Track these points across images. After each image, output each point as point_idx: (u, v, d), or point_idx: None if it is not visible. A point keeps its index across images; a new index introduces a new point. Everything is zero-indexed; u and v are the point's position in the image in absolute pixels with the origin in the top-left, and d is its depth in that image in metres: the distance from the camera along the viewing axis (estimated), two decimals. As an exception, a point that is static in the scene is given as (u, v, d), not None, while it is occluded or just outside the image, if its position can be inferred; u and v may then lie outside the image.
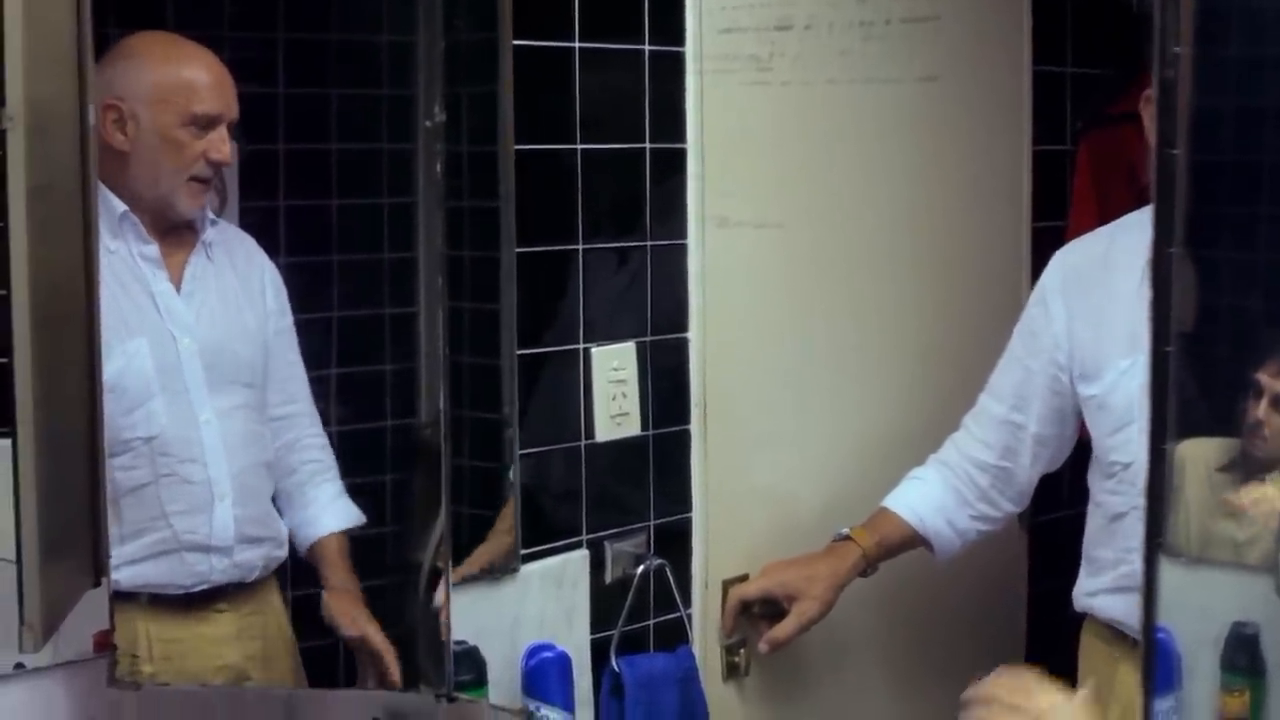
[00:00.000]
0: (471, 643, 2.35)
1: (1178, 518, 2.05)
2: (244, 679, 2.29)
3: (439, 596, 2.29)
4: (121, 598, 2.20)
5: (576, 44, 2.48)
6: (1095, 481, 2.42)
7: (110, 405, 2.16)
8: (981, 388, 2.60)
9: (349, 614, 2.33)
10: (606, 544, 2.55)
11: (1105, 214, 2.92)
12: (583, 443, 2.52)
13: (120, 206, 2.20)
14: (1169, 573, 2.00)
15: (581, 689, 2.48)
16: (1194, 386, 2.02)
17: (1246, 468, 2.03)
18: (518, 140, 2.38)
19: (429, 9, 2.29)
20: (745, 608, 2.62)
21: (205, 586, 2.23)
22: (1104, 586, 2.37)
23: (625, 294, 2.56)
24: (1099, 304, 2.39)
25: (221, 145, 2.20)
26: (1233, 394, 2.03)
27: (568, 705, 2.43)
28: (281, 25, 2.33)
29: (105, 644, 2.23)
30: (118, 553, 2.19)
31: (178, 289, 2.23)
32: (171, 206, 2.22)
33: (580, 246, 2.49)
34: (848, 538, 2.59)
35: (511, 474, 2.40)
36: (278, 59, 2.35)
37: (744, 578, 2.64)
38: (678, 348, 2.61)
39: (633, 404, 2.56)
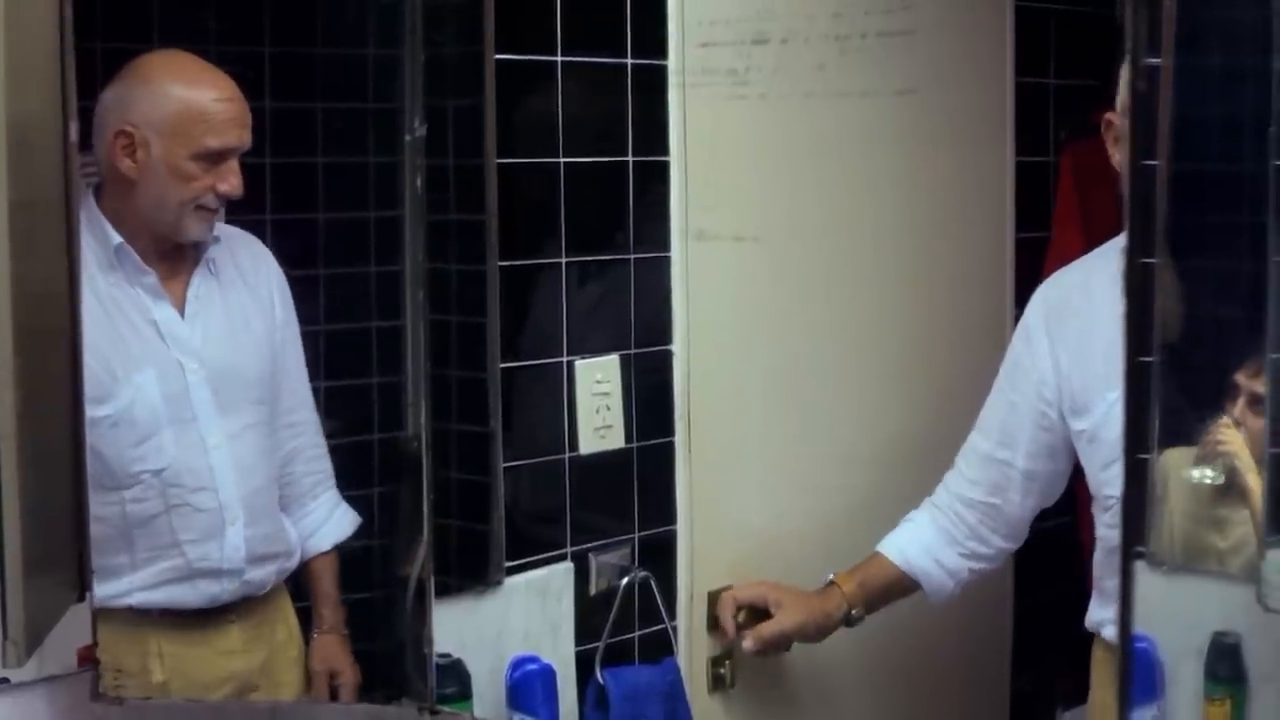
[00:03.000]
0: (456, 655, 2.35)
1: (1160, 527, 2.06)
2: (251, 688, 2.28)
3: (422, 609, 2.29)
4: (133, 613, 2.19)
5: (559, 57, 2.48)
6: (1096, 514, 2.39)
7: (118, 439, 2.16)
8: (964, 398, 2.60)
9: (337, 663, 2.31)
10: (591, 556, 2.55)
11: (1088, 225, 2.93)
12: (566, 455, 2.52)
13: (116, 238, 2.17)
14: (1152, 582, 2.01)
15: (566, 701, 2.48)
16: (1175, 397, 2.02)
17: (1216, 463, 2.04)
18: (501, 153, 2.39)
19: (412, 23, 2.29)
20: (737, 610, 2.62)
21: (224, 602, 2.23)
22: (1110, 618, 2.34)
23: (608, 307, 2.57)
24: (1082, 336, 2.36)
25: (231, 178, 2.16)
26: (1214, 403, 2.03)
27: (552, 718, 2.43)
28: (267, 39, 2.33)
29: (89, 659, 2.23)
30: (130, 579, 2.18)
31: (181, 313, 2.21)
32: (177, 233, 2.19)
33: (563, 260, 2.50)
34: (832, 582, 2.60)
35: (495, 487, 2.40)
36: (263, 73, 2.35)
37: (728, 589, 2.65)
38: (661, 360, 2.61)
39: (616, 417, 2.56)
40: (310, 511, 2.33)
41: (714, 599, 2.64)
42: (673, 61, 2.58)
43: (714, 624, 2.65)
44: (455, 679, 2.35)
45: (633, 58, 2.55)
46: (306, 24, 2.38)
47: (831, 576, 2.61)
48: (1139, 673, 2.03)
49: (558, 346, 2.51)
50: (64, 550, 2.16)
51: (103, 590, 2.17)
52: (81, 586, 2.19)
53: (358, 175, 2.39)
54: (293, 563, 2.30)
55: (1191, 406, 2.05)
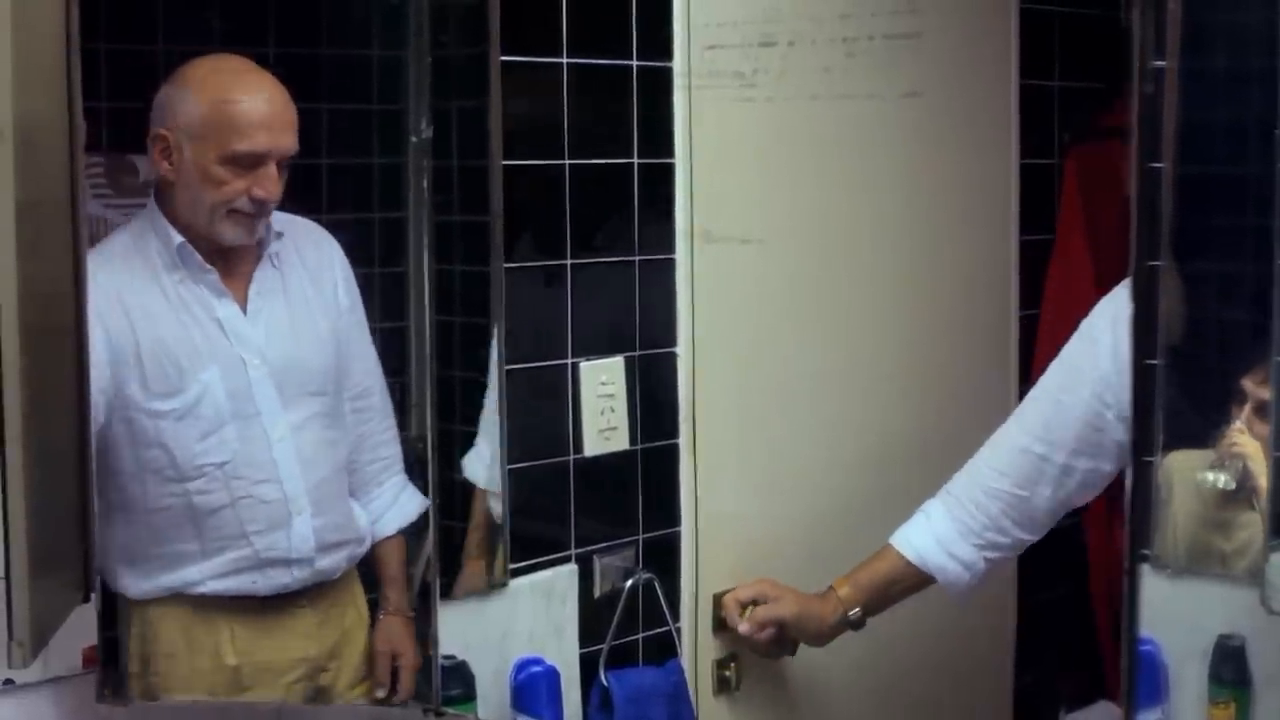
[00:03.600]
0: (460, 657, 2.35)
1: (1166, 530, 2.06)
2: (320, 671, 2.30)
3: (428, 611, 2.29)
4: (204, 599, 2.23)
5: (565, 59, 2.48)
6: None
7: (183, 433, 2.18)
8: (969, 400, 2.60)
9: (400, 645, 2.33)
10: (595, 558, 2.55)
11: (1093, 228, 2.93)
12: (571, 457, 2.52)
13: (178, 238, 2.19)
14: (1157, 585, 2.01)
15: (570, 703, 2.49)
16: (1181, 400, 2.02)
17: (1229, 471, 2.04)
18: (506, 155, 2.39)
19: (417, 24, 2.29)
20: (741, 608, 2.62)
21: (296, 588, 2.26)
22: None
23: (613, 309, 2.57)
24: None
25: (266, 183, 2.16)
26: (1220, 407, 2.04)
27: (557, 719, 2.43)
28: (272, 40, 2.33)
29: (94, 659, 2.23)
30: (200, 567, 2.22)
31: (243, 309, 2.23)
32: (213, 237, 2.20)
33: (568, 261, 2.50)
34: (831, 588, 2.59)
35: (500, 489, 2.41)
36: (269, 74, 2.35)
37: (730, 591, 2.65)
38: (666, 362, 2.61)
39: (621, 418, 2.56)
40: (376, 496, 2.34)
41: (718, 601, 2.64)
42: (678, 64, 2.58)
43: (719, 626, 2.65)
44: (460, 680, 2.35)
45: (638, 60, 2.55)
46: (312, 25, 2.38)
47: (831, 585, 2.60)
48: (1144, 675, 2.02)
49: (562, 348, 2.51)
50: (69, 551, 2.16)
51: (172, 578, 2.22)
52: (86, 587, 2.19)
53: (363, 176, 2.39)
54: (364, 548, 2.32)
55: (1197, 410, 2.05)
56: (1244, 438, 2.02)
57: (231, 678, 2.25)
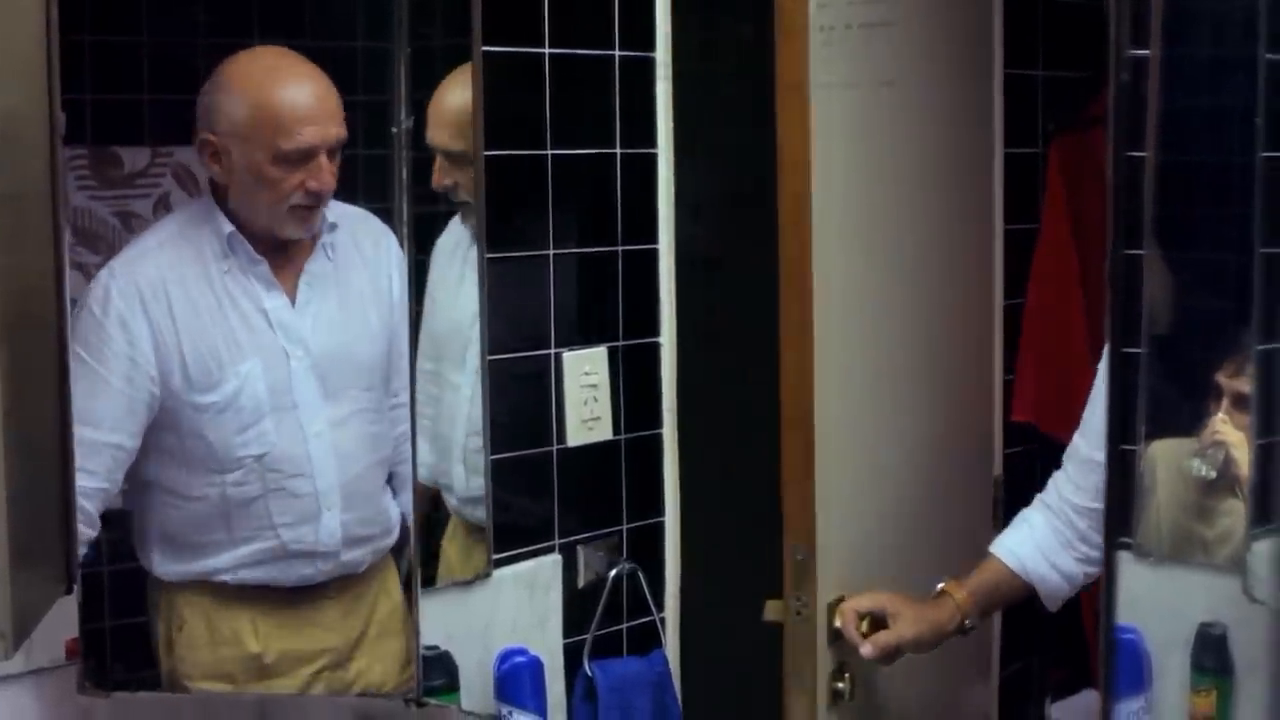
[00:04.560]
0: (443, 647, 2.35)
1: (1148, 518, 2.06)
2: (345, 660, 2.32)
3: (410, 601, 2.29)
4: (229, 587, 2.26)
5: (547, 49, 2.48)
6: None
7: (223, 425, 2.22)
8: (953, 391, 2.60)
9: None
10: (579, 548, 2.55)
11: (1077, 217, 2.93)
12: (554, 447, 2.52)
13: (228, 227, 2.21)
14: (1140, 573, 2.01)
15: (554, 693, 2.49)
16: (1162, 388, 2.02)
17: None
18: (488, 145, 2.38)
19: (400, 16, 2.29)
20: (859, 620, 2.54)
21: (321, 580, 2.29)
22: None
23: (596, 299, 2.57)
24: None
25: (319, 174, 2.18)
26: (1201, 396, 2.04)
27: (540, 710, 2.43)
28: (255, 32, 2.33)
29: (76, 651, 2.23)
30: (227, 556, 2.25)
31: (292, 300, 2.24)
32: (275, 232, 2.22)
33: (551, 251, 2.50)
34: (943, 591, 2.52)
35: (483, 479, 2.41)
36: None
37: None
38: (649, 352, 2.61)
39: (604, 408, 2.57)
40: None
41: (833, 610, 2.56)
42: (660, 54, 2.58)
43: (835, 637, 2.50)
44: (443, 671, 2.35)
45: (620, 50, 2.55)
46: (294, 16, 2.38)
47: (942, 585, 2.53)
48: (1126, 664, 2.03)
49: (545, 338, 2.51)
50: (51, 543, 2.17)
51: (200, 564, 2.25)
52: (68, 579, 2.19)
53: (346, 167, 2.38)
54: (390, 540, 2.33)
55: (1178, 398, 2.05)
56: (1226, 426, 2.02)
57: (254, 665, 2.27)
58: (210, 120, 2.18)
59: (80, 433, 2.16)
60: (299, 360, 2.24)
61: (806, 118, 2.18)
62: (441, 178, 2.29)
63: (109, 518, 2.25)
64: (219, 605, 2.26)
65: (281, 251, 2.25)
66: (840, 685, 2.51)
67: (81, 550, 2.19)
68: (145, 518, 2.24)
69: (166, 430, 2.21)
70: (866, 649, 2.43)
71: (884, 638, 2.45)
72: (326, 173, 2.19)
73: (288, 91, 2.20)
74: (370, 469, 2.31)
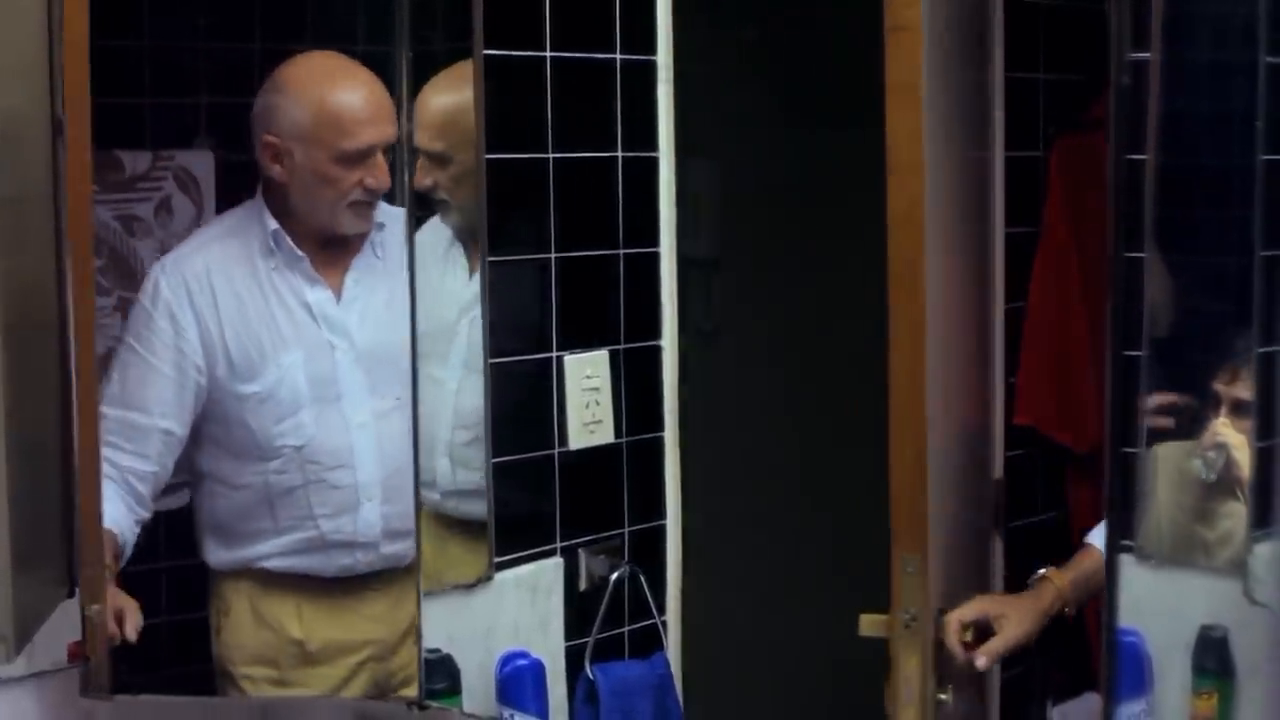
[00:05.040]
0: (445, 650, 2.35)
1: (1150, 521, 2.06)
2: (390, 653, 2.35)
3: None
4: (274, 574, 2.32)
5: (548, 53, 2.48)
6: None
7: (264, 415, 2.29)
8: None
9: None
10: (581, 551, 2.55)
11: (1078, 220, 2.93)
12: (556, 451, 2.52)
13: (273, 224, 2.28)
14: (1141, 575, 2.01)
15: (556, 696, 2.49)
16: (1165, 390, 2.03)
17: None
18: (490, 149, 2.39)
19: (401, 19, 2.29)
20: (963, 629, 2.51)
21: (362, 572, 2.34)
22: None
23: (598, 302, 2.57)
24: None
25: (376, 172, 2.27)
26: (1202, 398, 2.04)
27: (542, 713, 2.43)
28: (257, 35, 2.34)
29: (78, 654, 2.23)
30: (271, 544, 2.32)
31: (338, 296, 2.31)
32: (335, 229, 2.30)
33: (553, 255, 2.50)
34: (1044, 577, 2.51)
35: (485, 482, 2.41)
36: (254, 69, 2.36)
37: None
38: (650, 355, 2.61)
39: (606, 412, 2.57)
40: None
41: (939, 623, 2.52)
42: (661, 58, 2.58)
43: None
44: (445, 674, 2.35)
45: (621, 54, 2.55)
46: (296, 20, 2.38)
47: (1043, 571, 2.51)
48: (1127, 667, 2.03)
49: (547, 342, 2.51)
50: (53, 546, 2.17)
51: (247, 552, 2.32)
52: (70, 583, 2.20)
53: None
54: None
55: (1179, 401, 2.05)
56: (1228, 428, 2.02)
57: (298, 652, 2.34)
58: (271, 123, 2.26)
59: (132, 418, 2.25)
60: (344, 353, 2.31)
61: (919, 118, 2.17)
62: (422, 177, 2.33)
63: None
64: (264, 593, 2.32)
65: (330, 248, 2.32)
66: (944, 696, 2.51)
67: (135, 533, 2.27)
68: (200, 508, 2.32)
69: (214, 421, 2.29)
70: (981, 661, 2.38)
71: (996, 645, 2.40)
72: (383, 171, 2.27)
73: (346, 94, 2.28)
74: (412, 463, 2.33)
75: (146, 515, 2.28)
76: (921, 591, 2.28)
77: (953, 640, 2.39)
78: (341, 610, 2.34)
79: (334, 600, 2.34)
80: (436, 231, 2.38)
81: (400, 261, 2.31)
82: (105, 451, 2.18)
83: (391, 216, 2.32)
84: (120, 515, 2.25)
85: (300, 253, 2.29)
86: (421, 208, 2.36)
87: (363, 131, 2.25)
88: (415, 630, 2.28)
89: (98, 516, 2.18)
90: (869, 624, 2.35)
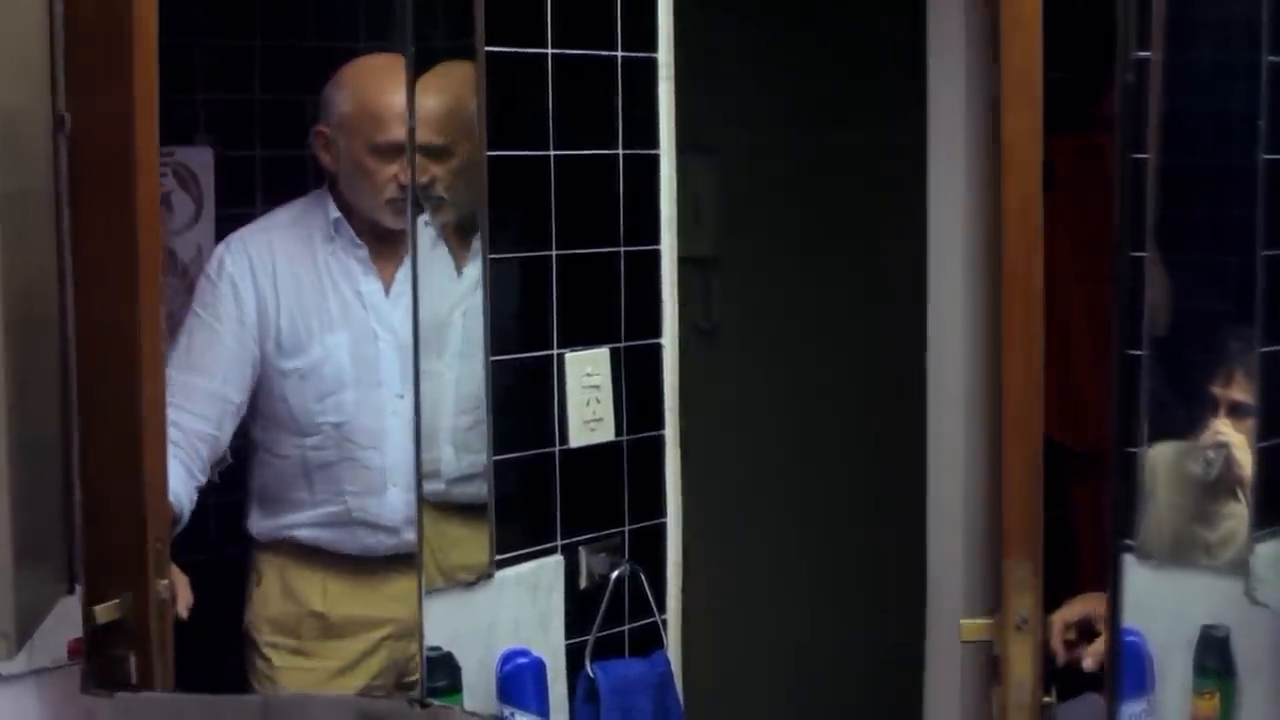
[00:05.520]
0: (446, 648, 2.35)
1: (1150, 520, 2.06)
2: (409, 634, 2.36)
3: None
4: (305, 547, 2.39)
5: (549, 50, 2.48)
6: None
7: (305, 391, 2.37)
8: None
9: None
10: (581, 549, 2.55)
11: (1078, 219, 2.93)
12: (557, 448, 2.52)
13: (335, 213, 2.36)
14: (1141, 575, 2.01)
15: (556, 695, 2.48)
16: (1164, 390, 2.03)
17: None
18: (491, 146, 2.39)
19: (402, 16, 2.29)
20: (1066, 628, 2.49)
21: (380, 555, 2.39)
22: None
23: (598, 300, 2.57)
24: None
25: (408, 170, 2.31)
26: (1203, 397, 2.04)
27: (542, 711, 2.43)
28: (258, 32, 2.34)
29: (79, 651, 2.23)
30: (304, 514, 2.39)
31: (387, 290, 2.38)
32: (380, 221, 2.37)
33: (553, 252, 2.50)
34: None
35: (486, 479, 2.41)
36: (254, 66, 2.36)
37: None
38: (651, 353, 2.61)
39: (607, 409, 2.56)
40: None
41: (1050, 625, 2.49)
42: (663, 55, 2.58)
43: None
44: (445, 672, 2.35)
45: (623, 51, 2.55)
46: (297, 17, 2.38)
47: None
48: (1129, 666, 2.03)
49: (548, 339, 2.51)
50: (53, 543, 2.17)
51: (283, 520, 2.40)
52: (70, 579, 2.20)
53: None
54: None
55: (1180, 400, 2.06)
56: (1228, 427, 2.03)
57: (319, 625, 2.40)
58: (324, 113, 2.35)
59: (195, 381, 2.34)
60: (386, 343, 2.37)
61: (1037, 116, 2.17)
62: (419, 172, 2.36)
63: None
64: (294, 564, 2.39)
65: (384, 243, 2.37)
66: (1048, 699, 2.50)
67: (192, 500, 2.34)
68: (249, 477, 2.40)
69: (262, 393, 2.37)
70: (1089, 661, 2.38)
71: (1102, 645, 2.42)
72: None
73: (387, 91, 2.32)
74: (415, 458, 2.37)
75: (203, 481, 2.35)
76: (1032, 594, 2.27)
77: (1057, 641, 2.42)
78: (364, 588, 2.40)
79: (358, 578, 2.40)
80: (422, 227, 2.39)
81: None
82: (169, 413, 2.26)
83: None
84: (179, 481, 2.31)
85: (359, 242, 2.36)
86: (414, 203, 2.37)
87: (397, 127, 2.31)
88: (418, 627, 2.29)
89: (163, 489, 2.24)
90: (971, 630, 2.34)
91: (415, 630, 2.34)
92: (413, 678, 2.34)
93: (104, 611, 2.18)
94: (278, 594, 2.40)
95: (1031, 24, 2.12)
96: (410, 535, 2.34)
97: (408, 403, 2.32)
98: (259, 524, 2.40)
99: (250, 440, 2.40)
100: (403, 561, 2.36)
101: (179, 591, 2.28)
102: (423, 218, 2.37)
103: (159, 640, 2.23)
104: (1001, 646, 2.27)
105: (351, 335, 2.37)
